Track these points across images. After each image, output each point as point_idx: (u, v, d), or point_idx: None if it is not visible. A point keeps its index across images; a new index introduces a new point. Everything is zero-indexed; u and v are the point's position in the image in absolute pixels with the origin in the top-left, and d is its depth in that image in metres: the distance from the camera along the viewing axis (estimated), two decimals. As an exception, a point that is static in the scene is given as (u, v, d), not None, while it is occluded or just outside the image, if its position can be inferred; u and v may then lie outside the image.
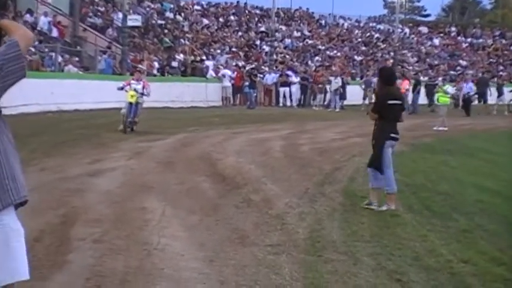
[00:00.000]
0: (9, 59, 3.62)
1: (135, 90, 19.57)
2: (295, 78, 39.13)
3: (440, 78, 40.44)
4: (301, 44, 49.23)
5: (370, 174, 10.08)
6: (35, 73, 24.90)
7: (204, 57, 40.14)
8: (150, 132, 19.69)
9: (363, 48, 52.61)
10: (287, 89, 38.85)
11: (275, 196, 10.62)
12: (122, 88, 19.97)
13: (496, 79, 45.96)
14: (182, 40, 41.57)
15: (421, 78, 42.40)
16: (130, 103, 19.43)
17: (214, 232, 8.21)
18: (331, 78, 38.33)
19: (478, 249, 7.68)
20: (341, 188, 11.44)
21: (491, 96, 38.55)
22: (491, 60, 55.55)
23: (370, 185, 10.10)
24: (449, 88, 28.70)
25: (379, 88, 10.30)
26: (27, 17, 31.80)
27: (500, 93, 38.92)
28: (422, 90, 38.98)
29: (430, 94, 38.34)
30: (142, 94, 19.87)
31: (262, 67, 41.77)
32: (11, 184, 3.66)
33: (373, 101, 10.54)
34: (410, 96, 36.92)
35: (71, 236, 7.77)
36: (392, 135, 9.94)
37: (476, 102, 37.25)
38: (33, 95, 23.46)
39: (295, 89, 38.92)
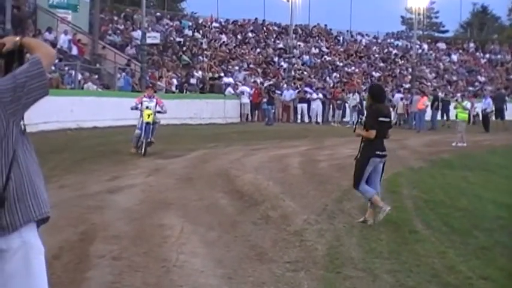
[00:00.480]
0: (32, 76, 3.66)
1: (147, 108, 18.38)
2: (315, 95, 39.22)
3: (458, 94, 40.35)
4: (319, 60, 49.28)
5: (363, 192, 10.15)
6: (55, 91, 25.06)
7: (222, 74, 40.29)
8: (169, 148, 19.74)
9: (381, 64, 52.60)
10: (305, 105, 38.93)
11: (293, 213, 10.62)
12: (136, 108, 18.74)
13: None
14: (200, 57, 41.76)
15: (440, 94, 42.29)
16: (148, 123, 18.18)
17: (232, 249, 8.22)
18: (349, 94, 38.42)
19: (498, 266, 7.64)
20: (359, 205, 11.40)
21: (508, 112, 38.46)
22: (510, 76, 55.34)
23: (368, 196, 10.03)
24: (468, 104, 28.61)
25: (369, 105, 10.39)
26: (47, 35, 32.09)
27: None
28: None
29: (444, 110, 38.35)
30: (159, 112, 18.70)
31: (281, 84, 41.86)
32: (32, 200, 3.68)
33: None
34: (429, 113, 36.87)
35: (90, 253, 7.80)
36: (378, 152, 9.99)
37: (493, 118, 37.04)
38: (53, 112, 23.63)
39: (316, 105, 38.94)
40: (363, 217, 10.03)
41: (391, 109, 36.03)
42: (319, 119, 38.76)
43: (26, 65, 3.72)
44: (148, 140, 18.21)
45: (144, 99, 18.73)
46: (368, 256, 7.97)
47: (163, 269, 7.25)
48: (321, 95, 39.36)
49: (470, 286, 6.93)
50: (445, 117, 38.94)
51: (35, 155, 3.84)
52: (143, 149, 18.03)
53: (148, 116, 18.21)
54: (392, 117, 10.36)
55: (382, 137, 10.06)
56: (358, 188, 10.05)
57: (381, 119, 9.97)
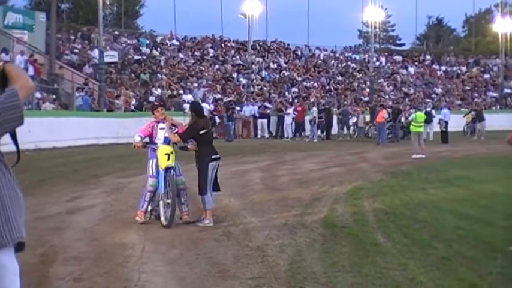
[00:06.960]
0: (7, 108, 3.70)
1: (165, 142, 11.39)
2: (290, 110, 39.36)
3: (412, 109, 40.81)
4: (277, 75, 49.49)
5: (205, 199, 11.13)
6: (12, 112, 24.70)
7: (181, 91, 40.26)
8: (129, 167, 19.60)
9: (339, 78, 52.97)
10: (265, 120, 39.05)
11: (255, 228, 10.63)
12: (144, 143, 11.57)
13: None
14: (159, 75, 41.69)
15: (401, 107, 42.65)
16: (168, 168, 11.09)
17: (194, 266, 8.19)
18: (313, 109, 38.62)
19: (458, 276, 7.71)
20: (321, 219, 11.46)
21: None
22: (466, 87, 56.10)
23: (207, 207, 11.13)
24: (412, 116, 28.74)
25: (191, 120, 11.59)
26: (3, 56, 31.76)
27: (481, 119, 39.56)
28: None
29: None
30: (183, 148, 11.59)
31: (243, 99, 41.91)
32: (4, 226, 3.72)
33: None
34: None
35: (50, 275, 7.72)
36: (214, 156, 11.34)
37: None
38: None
39: (289, 120, 38.98)
40: (203, 220, 11.06)
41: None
42: (291, 134, 38.83)
43: (3, 96, 3.74)
44: (175, 200, 10.87)
45: (161, 125, 11.55)
46: (330, 270, 7.99)
47: (125, 289, 7.20)
48: (291, 110, 39.45)
49: (431, 297, 6.99)
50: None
51: (13, 180, 3.87)
52: (167, 217, 10.84)
53: (168, 156, 11.15)
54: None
55: (210, 144, 11.47)
56: (204, 194, 11.10)
57: (202, 132, 11.25)
